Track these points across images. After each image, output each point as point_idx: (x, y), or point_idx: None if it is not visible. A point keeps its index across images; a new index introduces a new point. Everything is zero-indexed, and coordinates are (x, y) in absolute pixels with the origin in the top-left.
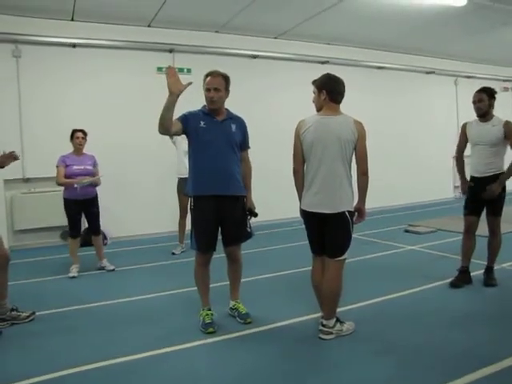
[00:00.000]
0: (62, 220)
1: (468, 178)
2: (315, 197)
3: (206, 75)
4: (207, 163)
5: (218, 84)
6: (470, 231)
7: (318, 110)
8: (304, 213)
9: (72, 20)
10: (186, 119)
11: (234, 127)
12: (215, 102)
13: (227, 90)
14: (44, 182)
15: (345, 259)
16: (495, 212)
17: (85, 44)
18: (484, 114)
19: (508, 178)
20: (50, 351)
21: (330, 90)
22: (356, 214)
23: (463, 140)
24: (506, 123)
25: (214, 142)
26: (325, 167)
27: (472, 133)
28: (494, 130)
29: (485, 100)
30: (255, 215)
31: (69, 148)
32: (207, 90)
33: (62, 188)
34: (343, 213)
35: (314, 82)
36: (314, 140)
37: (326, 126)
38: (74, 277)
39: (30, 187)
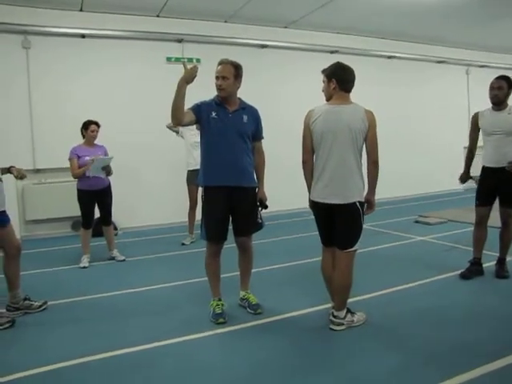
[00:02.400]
0: (73, 210)
1: (480, 169)
2: (326, 187)
3: (218, 64)
4: (217, 154)
5: (227, 72)
6: (481, 222)
7: (328, 99)
8: (314, 203)
9: (81, 10)
10: (198, 109)
11: (245, 118)
12: (223, 89)
13: (237, 79)
14: (55, 173)
15: (355, 250)
16: (508, 203)
17: (94, 34)
18: (501, 102)
19: None
20: (60, 341)
21: (339, 79)
22: (366, 204)
23: (475, 130)
24: None
25: (224, 133)
26: (335, 157)
27: (486, 122)
28: (511, 118)
29: (504, 88)
30: (265, 207)
31: (79, 139)
32: (216, 77)
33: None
34: (354, 203)
35: (324, 71)
36: (324, 130)
37: (336, 116)
38: (84, 267)
39: (41, 178)
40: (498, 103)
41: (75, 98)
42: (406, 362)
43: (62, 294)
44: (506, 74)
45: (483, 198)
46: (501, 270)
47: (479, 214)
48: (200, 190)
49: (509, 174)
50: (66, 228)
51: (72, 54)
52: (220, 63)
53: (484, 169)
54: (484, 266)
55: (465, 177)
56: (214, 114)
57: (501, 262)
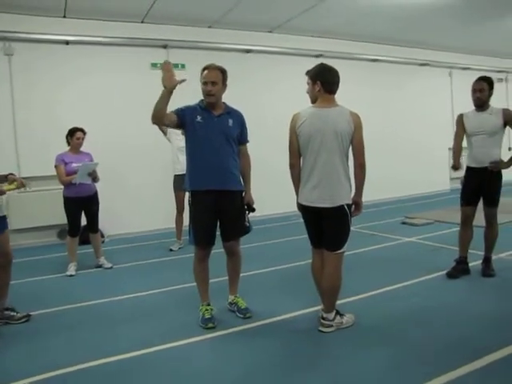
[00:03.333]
0: (59, 218)
1: (464, 169)
2: (313, 191)
3: (203, 69)
4: (203, 158)
5: (215, 77)
6: (466, 222)
7: (313, 101)
8: (302, 207)
9: (64, 17)
10: (182, 113)
11: (230, 122)
12: (212, 95)
13: (224, 84)
14: (40, 181)
15: (344, 252)
16: (492, 203)
17: (78, 41)
18: (483, 103)
19: None
20: (47, 350)
21: (324, 81)
22: (353, 206)
23: (460, 131)
24: (505, 110)
25: (209, 137)
26: (322, 160)
27: (469, 123)
28: (493, 119)
29: (485, 90)
30: (253, 210)
31: (64, 146)
32: (204, 83)
33: (61, 186)
34: (342, 206)
35: (308, 73)
36: (310, 133)
37: (322, 118)
38: (71, 275)
39: (27, 186)
40: (481, 105)
41: (60, 105)
42: (395, 361)
43: (49, 303)
44: (487, 75)
45: (468, 198)
46: (487, 269)
47: (464, 213)
48: (187, 195)
49: (491, 173)
50: (51, 236)
51: (56, 61)
52: (207, 68)
53: (468, 169)
54: (470, 264)
55: (458, 163)
56: (199, 117)
57: (486, 260)
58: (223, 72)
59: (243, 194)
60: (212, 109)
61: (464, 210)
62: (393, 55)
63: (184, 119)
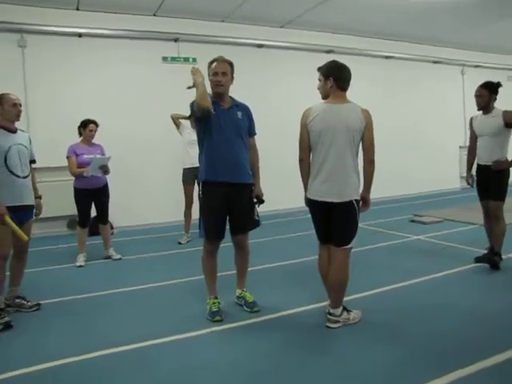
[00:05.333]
0: (69, 209)
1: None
2: (322, 185)
3: (212, 61)
4: (217, 150)
5: (225, 68)
6: (487, 214)
7: (324, 97)
8: (310, 201)
9: (77, 9)
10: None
11: (240, 114)
12: (222, 85)
13: (232, 76)
14: (50, 172)
15: (351, 248)
16: (495, 196)
17: (90, 33)
18: (483, 107)
19: None
20: (55, 338)
21: (336, 77)
22: (361, 202)
23: (472, 134)
24: (505, 112)
25: (223, 129)
26: (332, 156)
27: (476, 125)
28: (494, 121)
29: (484, 96)
30: (262, 202)
31: (75, 137)
32: (215, 74)
33: (71, 177)
34: (350, 201)
35: (320, 69)
36: (321, 128)
37: (333, 115)
38: (81, 266)
39: (37, 177)
40: (481, 109)
41: (72, 97)
42: (402, 359)
43: (58, 293)
44: (490, 81)
45: (481, 193)
46: (493, 259)
47: (483, 207)
48: (196, 188)
49: (494, 171)
50: (61, 227)
51: (68, 54)
52: (216, 60)
53: (478, 166)
54: (480, 265)
55: (468, 176)
56: (212, 110)
57: (491, 250)
58: (231, 65)
59: (253, 187)
60: (221, 101)
61: (482, 204)
62: (405, 52)
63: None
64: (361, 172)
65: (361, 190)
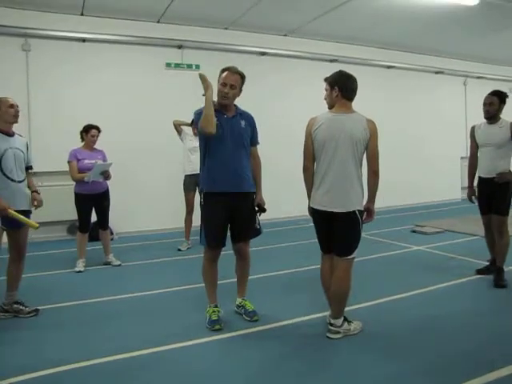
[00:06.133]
0: (69, 214)
1: (476, 179)
2: (326, 195)
3: (223, 70)
4: (219, 160)
5: (235, 81)
6: (487, 228)
7: (330, 107)
8: (313, 211)
9: (82, 15)
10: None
11: (243, 123)
12: (228, 98)
13: (241, 89)
14: (51, 176)
15: (354, 258)
16: (499, 211)
17: (94, 39)
18: (492, 116)
19: None
20: (53, 345)
21: (342, 87)
22: (365, 213)
23: (473, 143)
24: None
25: (225, 138)
26: (336, 165)
27: (480, 135)
28: (501, 131)
29: (495, 104)
30: (264, 211)
31: (76, 142)
32: (223, 84)
33: (72, 182)
34: (353, 212)
35: (327, 79)
36: (325, 138)
37: (338, 124)
38: (80, 271)
39: (37, 181)
40: (490, 118)
41: (74, 102)
42: (403, 370)
43: (57, 298)
44: (499, 90)
45: (483, 207)
46: (498, 279)
47: (484, 221)
48: (197, 195)
49: (499, 183)
50: (61, 232)
51: (72, 58)
52: (227, 69)
53: (479, 179)
54: (483, 276)
55: (470, 193)
56: (215, 119)
57: (498, 271)
58: (243, 77)
59: (254, 195)
60: (225, 110)
61: (483, 218)
62: (408, 62)
63: None
64: (365, 182)
65: (365, 201)
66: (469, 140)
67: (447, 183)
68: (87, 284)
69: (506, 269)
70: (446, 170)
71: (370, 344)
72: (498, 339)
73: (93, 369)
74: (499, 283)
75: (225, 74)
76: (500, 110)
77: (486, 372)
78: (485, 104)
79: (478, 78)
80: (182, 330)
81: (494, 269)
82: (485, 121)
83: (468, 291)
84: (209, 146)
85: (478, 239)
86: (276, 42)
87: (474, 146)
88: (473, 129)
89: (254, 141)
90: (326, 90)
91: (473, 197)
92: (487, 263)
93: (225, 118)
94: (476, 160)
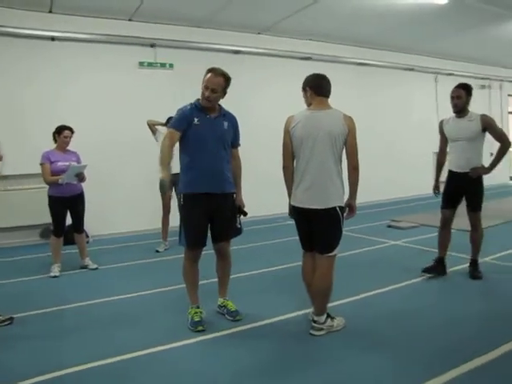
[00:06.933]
0: (41, 218)
1: (446, 173)
2: (306, 192)
3: (208, 70)
4: (199, 161)
5: (217, 84)
6: (445, 224)
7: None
8: (294, 209)
9: (50, 12)
10: (182, 126)
11: (226, 124)
12: (210, 101)
13: (224, 91)
14: (21, 180)
15: (335, 255)
16: (474, 207)
17: (64, 37)
18: (461, 110)
19: (496, 165)
20: (30, 354)
21: (311, 86)
22: (347, 209)
23: (443, 138)
24: (483, 116)
25: (206, 139)
26: (315, 162)
27: (449, 129)
28: (472, 125)
29: (463, 96)
30: (244, 214)
31: (48, 144)
32: (205, 87)
33: (44, 185)
34: (334, 208)
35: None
36: (303, 135)
37: (315, 121)
38: (55, 276)
39: (7, 185)
40: (459, 111)
41: (44, 103)
42: (385, 365)
43: (32, 305)
44: (465, 82)
45: (448, 201)
46: (475, 272)
47: (444, 216)
48: (173, 195)
49: (471, 178)
50: (34, 236)
51: (41, 57)
52: (211, 71)
53: (450, 173)
54: (457, 267)
55: (436, 186)
56: (196, 120)
57: (473, 263)
58: (227, 79)
59: (234, 195)
60: (208, 111)
61: (443, 213)
62: (380, 59)
63: (185, 128)
64: (345, 178)
65: (346, 197)
66: None
67: (420, 178)
68: (64, 289)
69: (480, 260)
70: (418, 165)
71: (353, 339)
72: (476, 329)
73: (73, 377)
74: (475, 275)
75: (208, 76)
76: (467, 102)
77: (467, 360)
78: (452, 97)
79: (449, 74)
80: (164, 333)
81: (441, 267)
82: (453, 115)
83: (445, 284)
84: (189, 146)
85: (453, 232)
86: (250, 41)
87: (443, 141)
88: (441, 123)
89: (235, 142)
90: (303, 96)
91: (436, 190)
92: (433, 262)
93: (207, 119)
94: (445, 154)
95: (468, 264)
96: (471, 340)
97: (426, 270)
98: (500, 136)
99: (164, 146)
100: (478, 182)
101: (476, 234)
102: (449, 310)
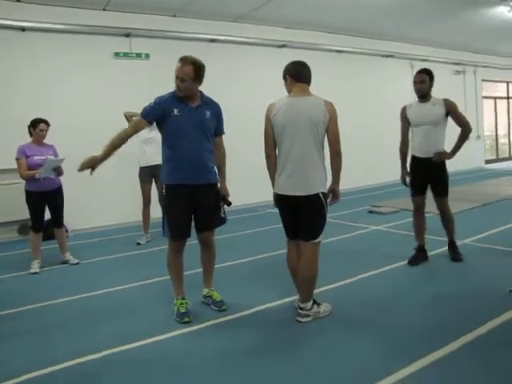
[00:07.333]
0: (18, 214)
1: (409, 159)
2: (288, 180)
3: (179, 60)
4: (181, 152)
5: (185, 74)
6: (418, 211)
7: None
8: (278, 196)
9: (18, 1)
10: (151, 116)
11: (208, 114)
12: (181, 91)
13: (197, 80)
14: None
15: (320, 242)
16: (440, 193)
17: (35, 28)
18: (424, 94)
19: (457, 150)
20: (14, 353)
21: (290, 73)
22: (330, 195)
23: (404, 125)
24: (446, 100)
25: (187, 129)
26: (297, 149)
27: (413, 114)
28: (435, 109)
29: (426, 81)
30: (229, 204)
31: (23, 138)
32: (176, 77)
33: (21, 180)
34: (317, 194)
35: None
36: (285, 122)
37: (296, 108)
38: (35, 273)
39: None
40: (422, 96)
41: (17, 95)
42: (374, 347)
43: (13, 303)
44: (427, 68)
45: (416, 188)
46: (455, 254)
47: (415, 203)
48: (153, 187)
49: (435, 163)
50: (11, 233)
51: (11, 49)
52: (181, 60)
53: (413, 158)
54: (438, 251)
55: (404, 175)
56: (176, 110)
57: (452, 245)
58: (198, 68)
59: (218, 185)
60: (188, 100)
61: (414, 201)
62: (357, 46)
63: (156, 119)
64: (328, 164)
65: (329, 183)
66: None
67: (398, 163)
68: (44, 285)
69: (459, 242)
70: (396, 150)
71: (339, 325)
72: (457, 310)
73: (60, 373)
74: (456, 257)
75: (178, 65)
76: (430, 87)
77: (450, 341)
78: (415, 82)
79: (424, 60)
80: (150, 326)
81: (423, 254)
82: (416, 100)
83: (427, 267)
84: (170, 136)
85: (432, 216)
86: (225, 29)
87: (405, 129)
88: (404, 109)
89: (219, 131)
90: (284, 85)
91: (406, 178)
92: (414, 251)
93: (188, 108)
94: (407, 144)
95: (447, 246)
96: (456, 320)
97: (411, 263)
98: (462, 121)
99: (122, 131)
100: (442, 167)
101: (446, 218)
102: (432, 292)
